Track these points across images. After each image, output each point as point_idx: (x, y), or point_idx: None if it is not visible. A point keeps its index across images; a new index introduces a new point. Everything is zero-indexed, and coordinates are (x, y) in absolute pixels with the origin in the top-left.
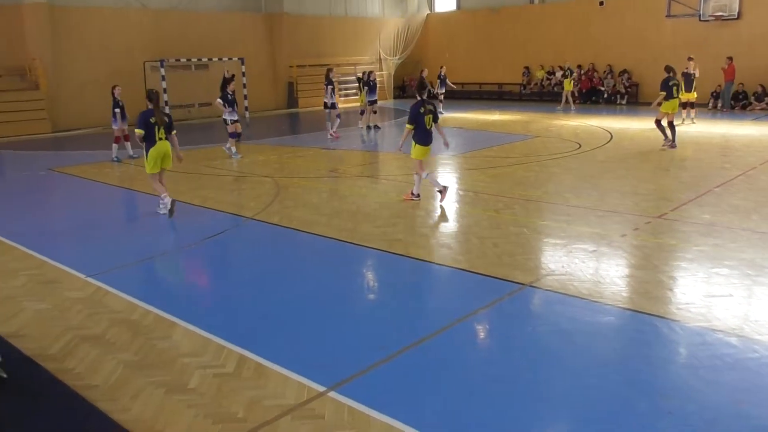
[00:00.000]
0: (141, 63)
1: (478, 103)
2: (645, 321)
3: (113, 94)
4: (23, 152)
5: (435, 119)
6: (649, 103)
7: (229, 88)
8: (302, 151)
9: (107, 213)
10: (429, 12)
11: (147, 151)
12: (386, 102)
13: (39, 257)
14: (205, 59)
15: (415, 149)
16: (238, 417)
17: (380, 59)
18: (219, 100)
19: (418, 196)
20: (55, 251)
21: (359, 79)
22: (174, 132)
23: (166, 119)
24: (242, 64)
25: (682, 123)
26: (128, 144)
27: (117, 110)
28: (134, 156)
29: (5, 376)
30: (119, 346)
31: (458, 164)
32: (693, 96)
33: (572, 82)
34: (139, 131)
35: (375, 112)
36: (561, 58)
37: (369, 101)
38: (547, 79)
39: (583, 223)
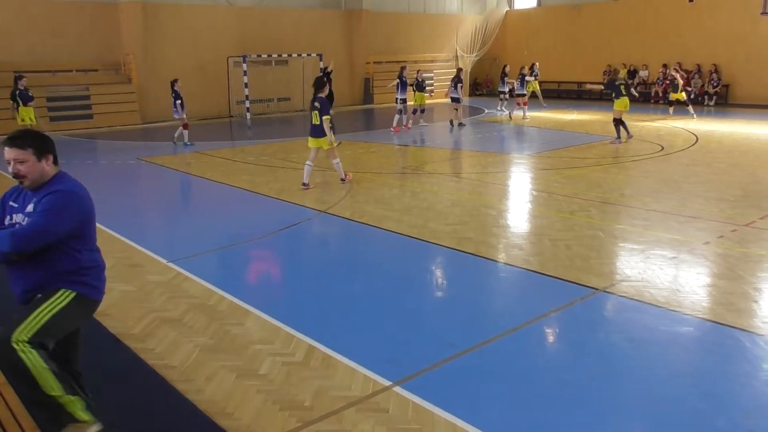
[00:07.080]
0: (225, 58)
1: (555, 102)
2: (726, 333)
3: (173, 87)
4: (115, 142)
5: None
6: (741, 105)
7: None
8: (375, 146)
9: (188, 202)
10: (508, 8)
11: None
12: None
13: (126, 241)
14: (285, 55)
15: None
16: (305, 405)
17: (456, 56)
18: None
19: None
20: (140, 236)
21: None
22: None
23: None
24: (320, 59)
25: None
26: (186, 132)
27: (179, 102)
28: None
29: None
30: (196, 330)
31: (533, 164)
32: None
33: (538, 82)
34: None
35: (456, 110)
36: (646, 57)
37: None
38: (630, 78)
39: (662, 229)
